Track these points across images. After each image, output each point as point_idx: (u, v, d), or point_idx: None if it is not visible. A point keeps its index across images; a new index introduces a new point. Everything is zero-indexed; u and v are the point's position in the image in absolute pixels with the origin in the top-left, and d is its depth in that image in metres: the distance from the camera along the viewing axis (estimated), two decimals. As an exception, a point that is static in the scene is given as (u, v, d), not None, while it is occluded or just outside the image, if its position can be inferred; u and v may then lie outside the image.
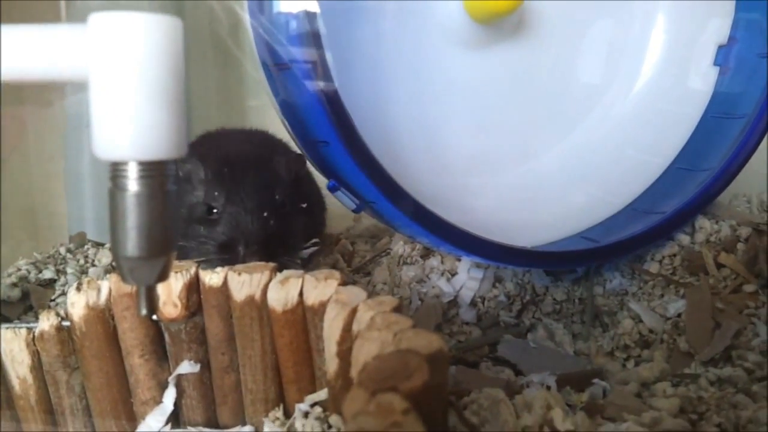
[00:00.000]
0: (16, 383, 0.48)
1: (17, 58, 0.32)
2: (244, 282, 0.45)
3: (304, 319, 0.44)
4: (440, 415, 0.33)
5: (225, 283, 0.46)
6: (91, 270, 0.68)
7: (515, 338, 0.60)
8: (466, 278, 0.65)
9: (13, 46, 0.32)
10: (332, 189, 0.57)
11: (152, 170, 0.31)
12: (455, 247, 0.56)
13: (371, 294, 0.62)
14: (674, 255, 0.64)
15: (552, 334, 0.62)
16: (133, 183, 0.31)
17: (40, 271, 0.69)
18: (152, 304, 0.34)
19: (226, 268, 0.46)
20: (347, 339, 0.40)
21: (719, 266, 0.61)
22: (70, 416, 0.49)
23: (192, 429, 0.48)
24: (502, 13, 0.59)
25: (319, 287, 0.43)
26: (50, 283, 0.69)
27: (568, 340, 0.61)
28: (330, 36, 0.49)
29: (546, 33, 0.67)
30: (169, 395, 0.47)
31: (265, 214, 0.59)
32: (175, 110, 0.31)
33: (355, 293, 0.42)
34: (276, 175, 0.62)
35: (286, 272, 0.45)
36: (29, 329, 0.47)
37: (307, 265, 0.64)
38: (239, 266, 0.46)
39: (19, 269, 0.68)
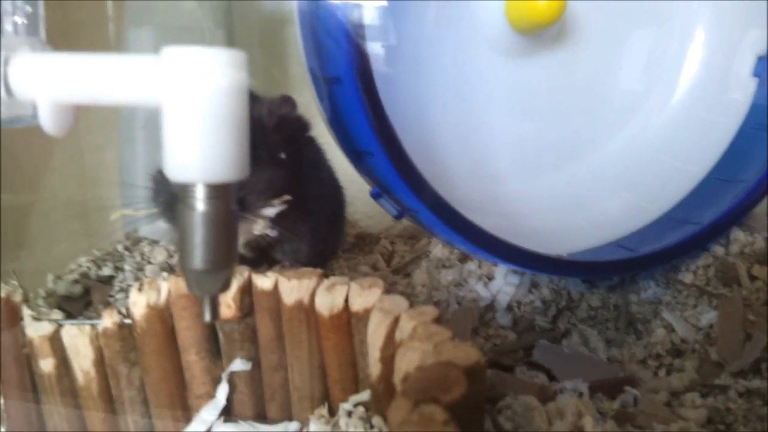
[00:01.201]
0: (80, 375, 0.51)
1: (97, 85, 0.35)
2: (293, 287, 0.48)
3: (349, 323, 0.47)
4: (477, 422, 0.35)
5: (276, 287, 0.48)
6: (148, 267, 0.71)
7: (550, 343, 0.61)
8: (503, 283, 0.67)
9: (93, 74, 0.35)
10: (375, 196, 0.59)
11: (218, 192, 0.34)
12: (492, 255, 0.58)
13: (411, 296, 0.64)
14: (708, 266, 0.65)
15: (586, 339, 0.63)
16: (200, 203, 0.34)
17: (100, 268, 0.72)
18: (215, 312, 0.37)
19: (276, 274, 0.49)
20: (390, 346, 0.42)
21: (752, 278, 0.62)
22: (129, 407, 0.52)
23: (242, 422, 0.51)
24: (543, 24, 0.60)
25: (364, 295, 0.46)
26: (109, 280, 0.71)
27: (602, 347, 0.62)
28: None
29: (586, 43, 0.68)
30: (222, 390, 0.50)
31: None
32: (239, 136, 0.34)
33: (398, 302, 0.44)
34: None
35: (332, 279, 0.48)
36: (93, 326, 0.50)
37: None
38: (289, 272, 0.49)
39: (80, 266, 0.71)
